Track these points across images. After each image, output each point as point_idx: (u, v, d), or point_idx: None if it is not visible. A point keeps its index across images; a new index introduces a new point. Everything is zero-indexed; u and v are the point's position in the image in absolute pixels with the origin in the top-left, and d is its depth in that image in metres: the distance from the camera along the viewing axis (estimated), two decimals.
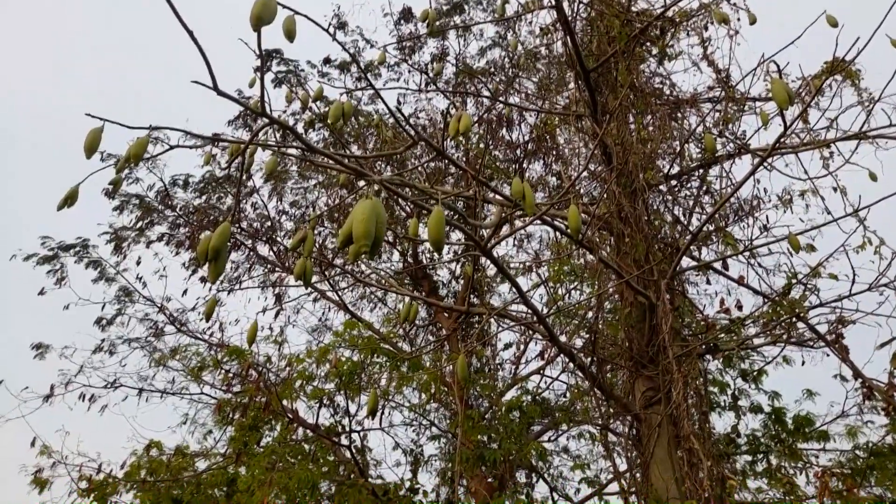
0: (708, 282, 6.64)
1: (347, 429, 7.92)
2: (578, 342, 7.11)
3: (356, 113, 10.62)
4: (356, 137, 11.01)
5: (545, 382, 9.33)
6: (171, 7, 2.30)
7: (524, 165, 10.48)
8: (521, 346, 10.15)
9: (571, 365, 7.24)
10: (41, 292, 9.70)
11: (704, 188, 6.74)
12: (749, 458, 7.31)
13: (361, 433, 8.47)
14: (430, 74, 10.13)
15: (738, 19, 7.06)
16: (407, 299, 4.47)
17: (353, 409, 7.46)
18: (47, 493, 8.29)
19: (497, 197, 6.20)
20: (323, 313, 11.08)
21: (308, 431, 7.71)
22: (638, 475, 4.99)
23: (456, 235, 9.07)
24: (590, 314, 6.06)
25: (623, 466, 6.07)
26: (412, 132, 3.50)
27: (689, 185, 7.17)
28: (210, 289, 10.33)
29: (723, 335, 5.84)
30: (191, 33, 2.33)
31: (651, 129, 7.27)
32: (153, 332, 10.42)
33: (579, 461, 9.06)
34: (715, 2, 6.28)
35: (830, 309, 5.63)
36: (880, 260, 5.39)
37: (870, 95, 6.99)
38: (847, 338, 6.40)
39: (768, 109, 7.48)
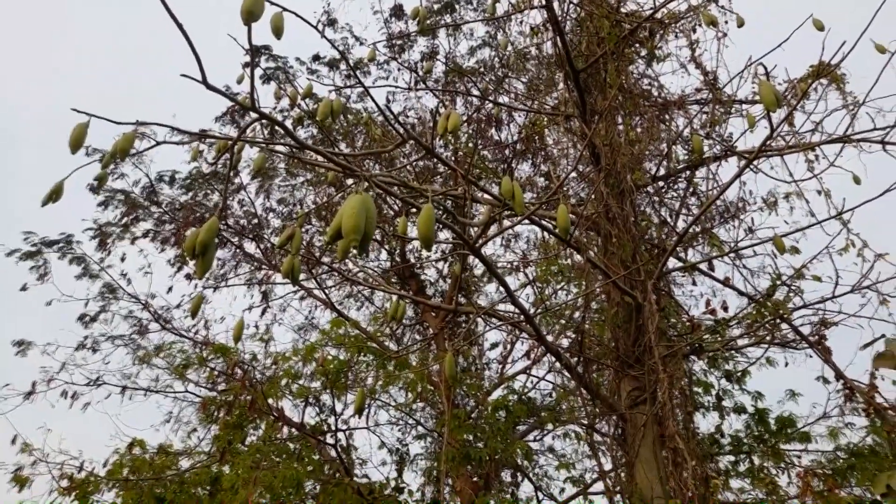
0: (694, 283, 6.70)
1: (333, 428, 7.89)
2: (565, 342, 7.14)
3: (345, 111, 10.58)
4: (345, 135, 10.97)
5: (531, 382, 9.38)
6: (162, 2, 2.28)
7: (512, 165, 10.50)
8: (508, 346, 10.17)
9: (558, 365, 7.27)
10: (23, 288, 9.58)
11: (691, 190, 6.79)
12: (732, 458, 7.37)
13: (347, 432, 8.44)
14: (420, 73, 10.12)
15: (727, 22, 7.13)
16: (395, 298, 4.45)
17: (339, 407, 7.44)
18: (27, 491, 8.19)
19: (486, 196, 6.20)
20: (309, 311, 11.04)
21: (293, 430, 7.67)
22: (623, 474, 5.02)
23: (444, 234, 9.07)
24: (577, 314, 6.08)
25: (608, 466, 6.11)
26: (402, 130, 3.49)
27: (675, 186, 7.22)
28: (196, 286, 10.25)
29: (708, 336, 5.88)
30: (180, 26, 2.31)
31: (639, 130, 7.32)
32: (137, 330, 10.33)
33: (564, 460, 9.10)
34: (703, 4, 6.33)
35: (814, 310, 5.70)
36: (863, 262, 5.46)
37: (854, 99, 7.08)
38: (830, 339, 6.49)
39: (755, 112, 7.56)
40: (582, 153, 5.33)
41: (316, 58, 10.83)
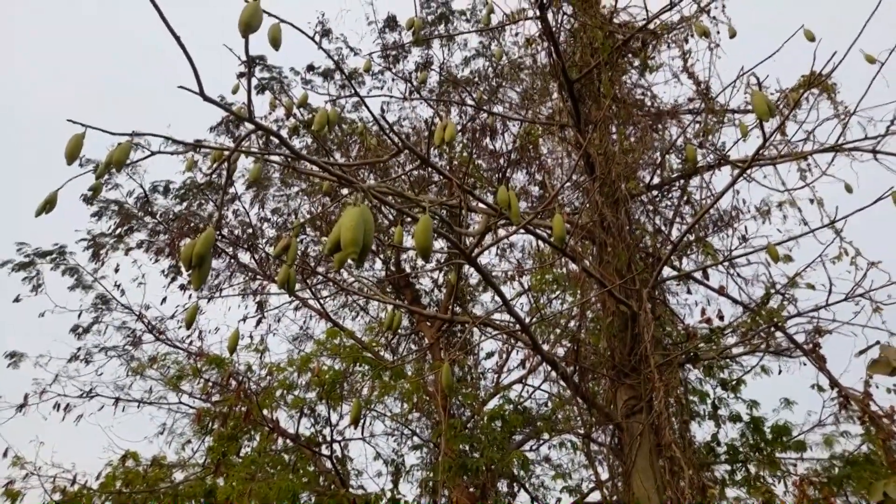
0: (688, 291, 6.71)
1: (329, 439, 7.84)
2: (561, 351, 7.14)
3: (340, 120, 10.59)
4: (339, 145, 10.97)
5: (527, 392, 9.36)
6: (158, 13, 2.29)
7: (507, 174, 10.53)
8: (504, 356, 10.15)
9: (554, 374, 7.26)
10: (17, 299, 9.51)
11: (685, 199, 6.82)
12: (728, 467, 7.37)
13: (342, 443, 8.39)
14: (414, 83, 10.15)
15: (718, 32, 7.20)
16: (390, 308, 4.44)
17: (334, 418, 7.40)
18: None
19: (481, 206, 6.21)
20: (304, 322, 11.00)
21: (288, 441, 7.62)
22: (620, 484, 5.01)
23: (439, 244, 9.08)
24: (572, 323, 6.09)
25: (605, 476, 6.10)
26: (397, 140, 3.50)
27: (670, 195, 7.26)
28: (190, 296, 10.20)
29: (703, 344, 5.90)
30: (177, 38, 2.31)
31: (633, 139, 7.36)
32: (131, 341, 10.26)
33: (561, 470, 9.07)
34: (696, 15, 6.38)
35: (808, 319, 5.72)
36: (856, 270, 5.49)
37: (845, 109, 7.15)
38: (824, 347, 6.51)
39: (747, 121, 7.61)
40: (577, 163, 5.35)
41: (310, 68, 10.86)
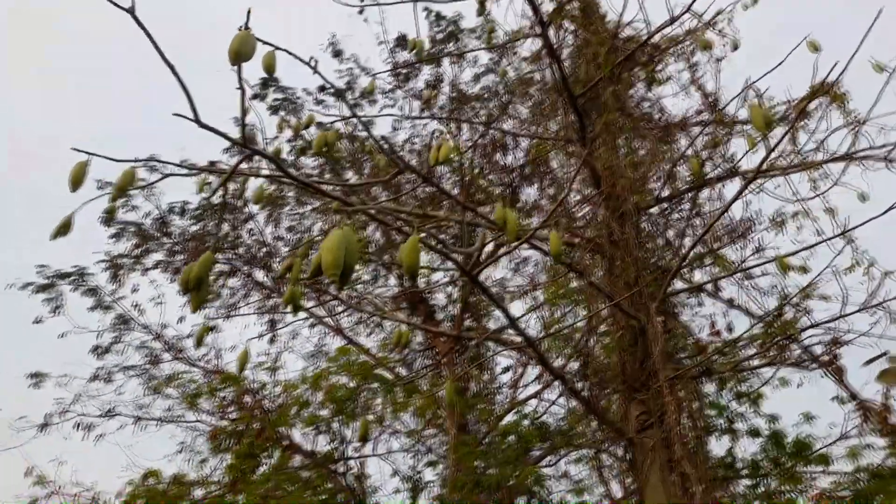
0: (700, 304, 6.65)
1: (345, 456, 7.85)
2: (576, 366, 7.10)
3: (352, 139, 10.72)
4: (352, 163, 11.09)
5: (542, 406, 9.30)
6: (152, 43, 2.36)
7: (518, 190, 10.56)
8: (519, 370, 10.11)
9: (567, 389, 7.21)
10: (37, 321, 9.70)
11: (695, 211, 6.78)
12: (748, 482, 7.23)
13: (359, 460, 8.40)
14: (428, 101, 10.24)
15: (725, 45, 7.18)
16: (399, 325, 4.48)
17: (349, 435, 7.42)
18: None
19: (486, 222, 6.23)
20: (319, 339, 11.06)
21: (303, 459, 7.65)
22: (633, 501, 4.95)
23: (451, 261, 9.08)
24: (582, 338, 6.05)
25: (619, 491, 6.03)
26: (397, 160, 3.55)
27: (680, 207, 7.21)
28: (206, 316, 10.33)
29: (717, 357, 5.83)
30: (172, 68, 2.39)
31: (642, 152, 7.34)
32: (150, 360, 10.40)
33: (580, 486, 8.97)
34: (701, 29, 6.38)
35: (823, 330, 5.63)
36: (870, 281, 5.40)
37: (857, 118, 7.07)
38: (843, 359, 6.39)
39: (756, 133, 7.56)
40: (574, 176, 5.37)
41: (322, 88, 11.01)
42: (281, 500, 6.48)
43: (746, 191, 5.48)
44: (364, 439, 4.12)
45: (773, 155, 7.00)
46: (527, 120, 9.24)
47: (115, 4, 2.29)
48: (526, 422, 8.25)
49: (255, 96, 10.85)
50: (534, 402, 9.51)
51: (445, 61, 10.78)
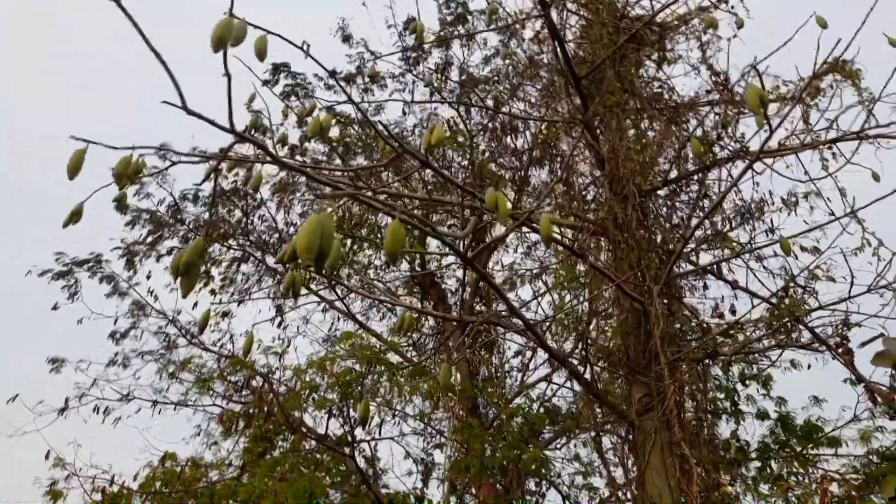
0: (705, 286, 6.60)
1: (358, 439, 7.94)
2: (579, 349, 7.09)
3: (363, 124, 10.73)
4: (364, 148, 11.11)
5: (552, 389, 9.33)
6: (138, 30, 2.39)
7: (529, 172, 10.52)
8: (529, 353, 10.13)
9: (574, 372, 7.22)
10: (55, 307, 9.91)
11: (703, 192, 6.71)
12: (757, 464, 7.20)
13: (372, 443, 8.50)
14: (434, 84, 10.21)
15: (737, 24, 7.05)
16: (404, 310, 4.52)
17: (356, 419, 7.50)
18: None
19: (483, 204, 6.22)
20: (332, 323, 11.17)
21: (313, 442, 7.77)
22: (634, 482, 4.97)
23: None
24: (585, 320, 6.05)
25: (621, 473, 6.06)
26: (393, 144, 3.56)
27: (689, 188, 7.14)
28: (220, 300, 10.48)
29: (722, 339, 5.80)
30: (159, 56, 2.41)
31: (651, 133, 7.26)
32: (166, 345, 10.58)
33: (590, 468, 9.01)
34: (709, 7, 6.28)
35: (830, 311, 5.58)
36: (878, 261, 5.33)
37: (870, 95, 6.93)
38: (852, 341, 6.32)
39: (759, 113, 7.44)
40: (569, 159, 5.33)
41: (332, 73, 11.01)
42: (295, 482, 6.59)
43: (752, 171, 5.41)
44: (364, 421, 4.18)
45: (783, 134, 6.91)
46: (536, 103, 9.17)
47: None
48: (533, 405, 8.29)
49: (265, 83, 10.89)
50: (543, 385, 9.56)
51: (455, 44, 10.73)
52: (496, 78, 10.69)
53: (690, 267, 6.30)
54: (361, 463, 8.05)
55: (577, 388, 8.46)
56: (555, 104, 8.17)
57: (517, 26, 7.11)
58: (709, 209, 4.98)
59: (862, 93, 6.83)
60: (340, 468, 8.03)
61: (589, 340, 5.43)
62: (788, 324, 5.51)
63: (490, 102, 10.23)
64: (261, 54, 2.86)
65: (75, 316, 10.16)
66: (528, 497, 8.60)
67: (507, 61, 10.28)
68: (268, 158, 3.18)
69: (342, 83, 11.21)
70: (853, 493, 4.99)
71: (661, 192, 7.00)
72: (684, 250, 5.51)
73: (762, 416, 7.03)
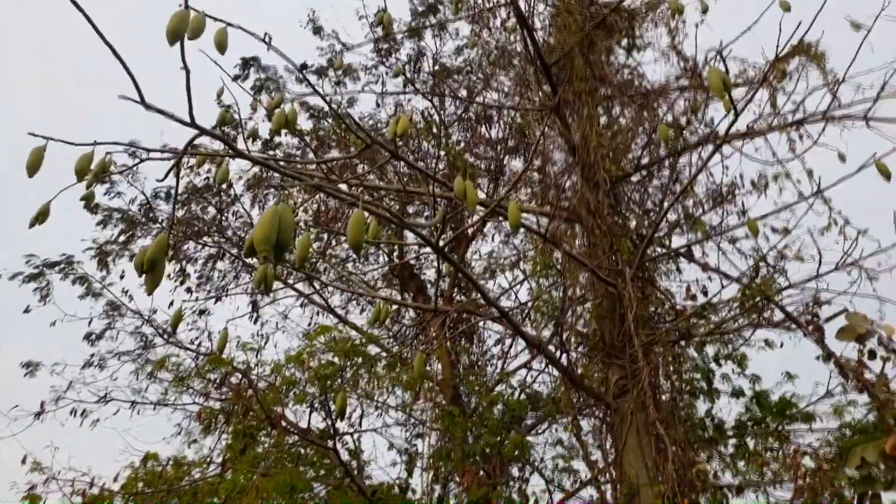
0: (678, 269, 6.69)
1: (341, 432, 7.94)
2: (556, 334, 7.15)
3: (337, 117, 10.65)
4: (338, 142, 11.04)
5: (531, 376, 9.40)
6: (92, 25, 2.35)
7: (504, 162, 10.54)
8: (508, 341, 10.19)
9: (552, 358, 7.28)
10: (26, 310, 9.73)
11: (675, 177, 6.79)
12: (736, 441, 7.34)
13: (355, 435, 8.50)
14: (404, 73, 10.16)
15: (703, 10, 7.12)
16: (379, 302, 4.52)
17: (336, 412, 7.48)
18: None
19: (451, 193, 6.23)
20: (311, 318, 11.12)
21: (295, 436, 7.75)
22: (611, 463, 5.04)
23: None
24: (560, 306, 6.10)
25: (599, 455, 6.15)
26: (359, 134, 3.54)
27: (660, 174, 7.22)
28: (196, 298, 10.37)
29: (695, 321, 5.89)
30: (113, 49, 2.37)
31: (623, 120, 7.32)
32: (142, 345, 10.46)
33: (573, 452, 9.11)
34: None
35: (800, 290, 5.69)
36: (844, 240, 5.45)
37: (835, 77, 7.05)
38: (822, 318, 6.46)
39: (736, 96, 7.53)
40: (536, 146, 5.36)
41: (303, 66, 10.91)
42: (276, 477, 6.57)
43: (721, 154, 5.49)
44: (342, 414, 4.18)
45: (752, 118, 7.01)
46: (509, 92, 9.19)
47: None
48: (514, 392, 8.35)
49: (235, 77, 10.77)
50: (523, 372, 9.63)
51: (428, 35, 10.69)
52: (469, 68, 10.68)
53: (663, 251, 6.38)
54: (345, 456, 8.06)
55: (556, 373, 8.55)
56: (528, 93, 8.20)
57: (487, 14, 7.10)
58: (678, 192, 5.04)
59: (827, 75, 6.95)
60: (324, 462, 8.02)
61: (565, 326, 5.48)
62: (760, 303, 5.61)
63: (463, 93, 10.23)
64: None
65: (48, 319, 10.00)
66: (511, 482, 8.68)
67: (478, 50, 10.27)
68: (228, 152, 3.15)
69: (313, 76, 11.13)
70: (824, 465, 5.12)
71: (633, 178, 7.07)
72: (656, 234, 5.57)
73: (737, 394, 7.17)
